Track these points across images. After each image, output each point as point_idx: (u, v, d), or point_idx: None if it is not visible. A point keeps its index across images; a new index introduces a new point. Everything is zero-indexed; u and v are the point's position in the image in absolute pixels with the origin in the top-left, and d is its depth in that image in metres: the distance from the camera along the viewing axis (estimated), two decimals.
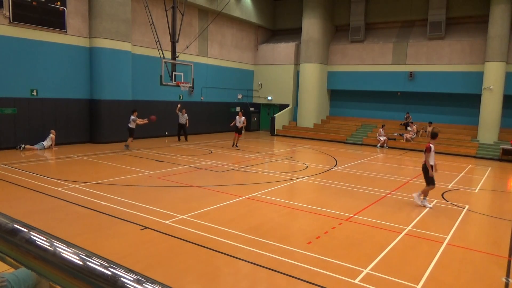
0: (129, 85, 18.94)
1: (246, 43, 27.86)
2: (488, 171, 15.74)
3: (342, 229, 7.61)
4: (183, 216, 7.83)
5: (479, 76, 20.78)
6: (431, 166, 9.33)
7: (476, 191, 12.02)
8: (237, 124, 18.32)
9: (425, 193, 9.55)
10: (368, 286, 5.27)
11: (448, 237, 7.38)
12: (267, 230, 7.32)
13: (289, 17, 28.66)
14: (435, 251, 6.64)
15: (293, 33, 28.18)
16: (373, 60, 24.67)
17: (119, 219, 7.58)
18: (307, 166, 14.56)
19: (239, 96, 27.60)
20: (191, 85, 18.66)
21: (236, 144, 18.43)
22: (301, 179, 12.21)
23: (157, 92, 21.00)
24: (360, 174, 13.56)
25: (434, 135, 9.94)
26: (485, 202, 11.11)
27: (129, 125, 16.44)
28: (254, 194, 9.92)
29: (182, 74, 18.45)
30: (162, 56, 17.84)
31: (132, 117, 16.34)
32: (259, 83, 28.66)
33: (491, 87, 19.99)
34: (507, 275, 5.87)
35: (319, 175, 13.03)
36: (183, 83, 18.01)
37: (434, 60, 22.67)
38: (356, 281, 5.39)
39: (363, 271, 5.71)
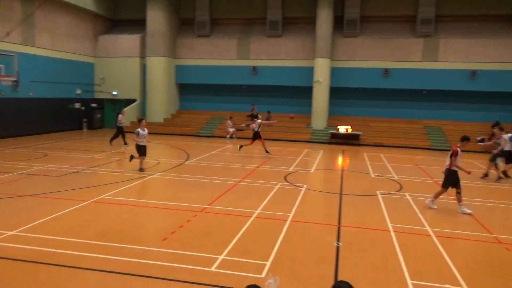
0: None
1: (82, 32, 25.31)
2: (320, 153, 18.09)
3: (197, 221, 7.66)
4: (13, 232, 6.67)
5: (310, 70, 23.62)
6: (461, 168, 8.78)
7: (312, 171, 13.67)
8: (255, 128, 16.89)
9: (436, 196, 9.11)
10: (224, 272, 5.43)
11: (291, 215, 8.18)
12: (117, 233, 6.83)
13: (131, 7, 27.20)
14: (280, 229, 7.28)
15: (137, 24, 26.90)
16: (219, 55, 25.49)
17: None
18: (158, 162, 14.18)
19: (78, 91, 24.98)
20: (15, 79, 16.00)
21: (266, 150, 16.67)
22: (153, 176, 11.82)
23: None
24: (212, 166, 13.91)
25: (464, 139, 9.06)
26: (319, 180, 12.74)
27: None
28: (101, 196, 9.15)
29: (2, 66, 15.64)
30: None
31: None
32: (101, 77, 26.50)
33: (320, 80, 22.97)
34: (338, 240, 6.84)
35: (171, 170, 12.84)
36: (3, 77, 15.29)
37: (273, 55, 24.76)
38: (213, 268, 5.50)
39: (218, 258, 5.86)
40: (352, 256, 6.16)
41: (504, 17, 22.36)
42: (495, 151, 13.36)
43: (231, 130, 23.00)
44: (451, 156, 8.74)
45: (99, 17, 26.60)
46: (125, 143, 18.08)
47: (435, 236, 7.18)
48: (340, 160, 16.59)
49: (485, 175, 13.29)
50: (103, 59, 26.45)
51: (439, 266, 5.89)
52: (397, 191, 10.75)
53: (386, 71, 23.09)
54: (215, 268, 5.52)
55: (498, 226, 7.91)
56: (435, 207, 9.05)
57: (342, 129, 21.90)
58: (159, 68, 24.89)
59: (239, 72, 25.21)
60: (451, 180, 8.80)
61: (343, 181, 11.97)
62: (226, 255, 5.98)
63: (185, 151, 17.10)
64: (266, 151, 16.53)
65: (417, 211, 8.82)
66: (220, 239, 6.67)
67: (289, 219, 7.91)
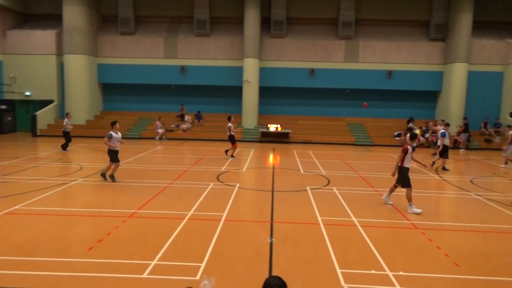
0: None
1: None
2: (252, 152, 18.32)
3: (127, 226, 7.29)
4: None
5: (240, 70, 23.80)
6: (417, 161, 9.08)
7: (244, 170, 13.78)
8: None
9: (409, 198, 8.77)
10: (157, 277, 5.23)
11: (225, 214, 8.16)
12: (36, 246, 6.25)
13: (44, 1, 25.12)
14: (214, 229, 7.22)
15: (52, 19, 24.92)
16: (145, 53, 24.60)
17: None
18: (82, 167, 13.28)
19: None
20: None
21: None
22: (76, 182, 11.03)
23: None
24: (141, 168, 13.37)
25: (413, 137, 9.13)
26: (251, 178, 12.87)
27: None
28: (16, 207, 8.31)
29: None
30: None
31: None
32: (12, 76, 24.12)
33: (249, 80, 23.24)
34: (271, 236, 6.96)
35: (96, 175, 12.09)
36: None
37: (202, 55, 24.51)
38: (145, 275, 5.27)
39: (151, 263, 5.63)
40: (285, 251, 6.31)
41: (416, 23, 24.54)
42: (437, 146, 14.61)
43: (160, 131, 22.34)
44: (403, 154, 8.73)
45: (7, 11, 24.17)
46: (64, 149, 16.69)
47: (361, 226, 7.63)
48: (271, 158, 16.93)
49: (445, 169, 14.47)
50: (13, 57, 24.11)
51: (365, 253, 6.26)
52: (325, 186, 11.25)
53: (312, 71, 24.08)
54: (147, 275, 5.29)
55: (413, 214, 8.62)
56: (419, 210, 8.61)
57: (272, 127, 22.39)
58: (79, 67, 23.34)
59: (167, 72, 24.58)
60: (405, 176, 8.75)
61: (275, 178, 12.23)
62: (158, 260, 5.77)
63: None
64: (232, 155, 16.21)
65: (344, 203, 9.31)
66: (152, 244, 6.42)
67: (223, 218, 7.87)
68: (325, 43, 24.09)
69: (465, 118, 22.09)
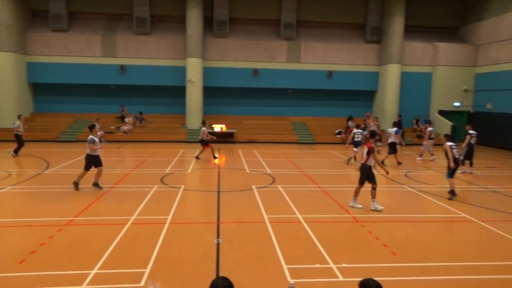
0: None
1: None
2: (197, 153, 18.03)
3: (63, 235, 6.84)
4: None
5: (183, 70, 23.34)
6: (379, 163, 8.93)
7: (189, 171, 13.55)
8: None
9: (356, 194, 8.97)
10: (97, 287, 4.96)
11: (170, 217, 7.95)
12: None
13: None
14: (159, 233, 7.00)
15: None
16: (81, 52, 23.26)
17: None
18: (10, 174, 12.26)
19: None
20: None
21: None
22: (3, 190, 10.15)
23: None
24: (78, 173, 12.61)
25: (373, 135, 9.15)
26: (196, 180, 12.69)
27: None
28: None
29: None
30: None
31: None
32: None
33: (193, 79, 22.89)
34: (218, 237, 6.90)
35: (27, 182, 11.23)
36: None
37: (143, 54, 23.69)
38: (84, 285, 4.97)
39: (90, 273, 5.32)
40: (232, 251, 6.28)
41: (353, 25, 25.64)
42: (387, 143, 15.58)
43: (99, 133, 21.20)
44: (368, 153, 8.65)
45: None
46: (14, 154, 15.42)
47: (305, 222, 7.82)
48: (216, 158, 16.80)
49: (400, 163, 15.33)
50: None
51: (310, 248, 6.42)
52: (271, 184, 11.39)
53: (256, 71, 24.29)
54: (87, 285, 5.00)
55: (355, 208, 9.00)
56: (360, 206, 8.88)
57: (217, 127, 22.26)
58: (5, 65, 21.53)
59: (105, 71, 23.46)
60: (366, 175, 8.75)
61: (220, 179, 12.16)
62: (99, 269, 5.47)
63: (44, 159, 15.14)
64: (197, 157, 15.97)
65: (289, 201, 9.48)
66: (92, 252, 6.07)
67: (168, 221, 7.66)
68: (268, 44, 24.41)
69: (399, 116, 23.56)
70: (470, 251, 6.56)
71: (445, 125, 23.27)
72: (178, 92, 24.15)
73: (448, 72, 24.45)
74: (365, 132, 16.59)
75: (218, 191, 10.39)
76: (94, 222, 7.62)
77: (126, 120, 22.94)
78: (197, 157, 15.97)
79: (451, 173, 10.14)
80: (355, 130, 15.61)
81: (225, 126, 22.43)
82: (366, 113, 22.91)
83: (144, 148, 19.42)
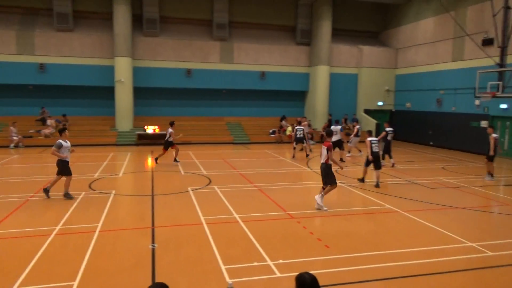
0: None
1: None
2: (128, 156, 17.30)
3: None
4: None
5: (111, 69, 22.20)
6: (336, 162, 8.86)
7: (121, 175, 12.92)
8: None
9: (326, 192, 8.89)
10: None
11: (100, 225, 7.50)
12: None
13: None
14: (88, 242, 6.57)
15: None
16: None
17: None
18: None
19: None
20: None
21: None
22: None
23: None
24: None
25: (329, 134, 9.21)
26: (129, 184, 12.15)
27: None
28: None
29: None
30: None
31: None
32: None
33: (122, 79, 21.87)
34: (153, 242, 6.65)
35: None
36: None
37: (65, 52, 22.11)
38: None
39: None
40: (168, 255, 6.09)
41: (284, 28, 26.30)
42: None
43: (16, 138, 19.45)
44: (327, 151, 8.61)
45: None
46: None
47: (242, 221, 7.84)
48: (149, 161, 16.24)
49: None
50: None
51: (248, 247, 6.45)
52: (207, 185, 11.27)
53: (189, 72, 23.89)
54: None
55: (290, 205, 9.24)
56: (325, 208, 8.79)
57: (149, 129, 21.53)
58: None
59: (22, 70, 21.50)
60: (328, 173, 8.77)
61: (154, 182, 11.76)
62: (19, 286, 4.98)
63: None
64: (175, 159, 15.28)
65: (226, 201, 9.45)
66: (10, 268, 5.51)
67: (98, 229, 7.22)
68: (201, 44, 24.14)
69: (330, 115, 24.70)
70: (394, 239, 7.05)
71: (370, 123, 24.82)
72: (106, 93, 22.94)
73: (372, 74, 26.13)
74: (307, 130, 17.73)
75: (152, 195, 10.04)
76: (12, 235, 6.93)
77: (48, 122, 21.26)
78: (176, 160, 15.40)
79: (367, 163, 11.74)
80: (297, 127, 16.37)
81: (158, 128, 21.75)
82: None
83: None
